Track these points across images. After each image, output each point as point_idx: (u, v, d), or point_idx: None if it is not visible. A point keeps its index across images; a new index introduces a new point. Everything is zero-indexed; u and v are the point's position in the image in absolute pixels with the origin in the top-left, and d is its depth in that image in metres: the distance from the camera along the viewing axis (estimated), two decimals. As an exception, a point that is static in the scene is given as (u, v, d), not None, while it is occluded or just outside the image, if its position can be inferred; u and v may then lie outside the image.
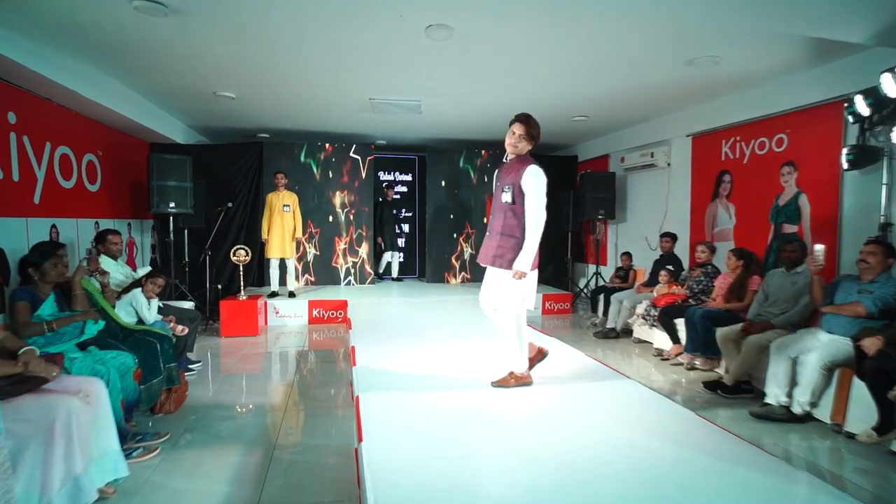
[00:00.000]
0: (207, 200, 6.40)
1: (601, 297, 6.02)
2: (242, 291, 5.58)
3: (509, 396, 2.90)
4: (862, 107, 3.50)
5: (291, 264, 6.29)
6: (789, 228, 4.49)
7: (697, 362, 4.10)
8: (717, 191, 5.36)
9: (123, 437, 2.37)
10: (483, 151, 7.91)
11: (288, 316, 6.00)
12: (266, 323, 5.92)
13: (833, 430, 3.03)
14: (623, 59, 4.08)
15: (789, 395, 3.18)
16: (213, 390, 3.71)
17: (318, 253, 7.36)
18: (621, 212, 7.17)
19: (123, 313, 3.18)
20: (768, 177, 4.69)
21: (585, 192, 6.90)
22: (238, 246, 5.48)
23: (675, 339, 4.41)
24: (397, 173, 8.55)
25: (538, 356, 3.07)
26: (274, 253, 6.09)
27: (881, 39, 2.91)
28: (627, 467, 2.07)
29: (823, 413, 3.10)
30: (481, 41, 3.75)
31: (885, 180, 3.41)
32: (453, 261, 7.86)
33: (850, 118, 3.70)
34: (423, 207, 8.08)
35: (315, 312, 6.06)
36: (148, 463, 2.52)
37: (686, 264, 5.44)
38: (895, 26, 2.74)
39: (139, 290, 3.42)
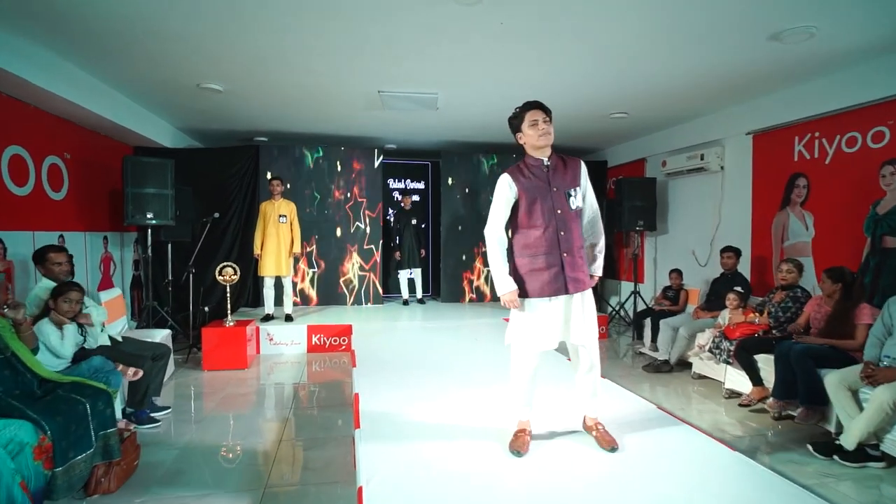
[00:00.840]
0: (196, 211, 5.66)
1: (647, 321, 5.17)
2: (230, 315, 4.80)
3: (541, 462, 2.10)
4: None
5: (289, 283, 5.51)
6: (893, 242, 3.65)
7: (796, 413, 3.23)
8: (788, 197, 4.53)
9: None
10: (507, 155, 7.14)
11: (284, 343, 5.21)
12: (258, 352, 5.13)
13: None
14: (688, 33, 3.30)
15: (950, 471, 2.33)
16: (174, 454, 2.85)
17: (320, 270, 6.58)
18: (662, 222, 6.34)
19: (50, 356, 2.39)
20: (862, 179, 3.86)
21: (622, 200, 6.09)
22: (225, 263, 4.71)
23: (757, 381, 3.55)
24: (408, 181, 7.78)
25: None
26: (268, 270, 5.32)
27: None
28: None
29: None
30: (514, 8, 2.98)
31: None
32: (471, 277, 7.05)
33: None
34: (438, 218, 7.30)
35: (315, 339, 5.26)
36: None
37: (749, 284, 4.59)
38: None
39: (45, 318, 2.63)
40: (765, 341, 3.55)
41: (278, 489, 2.45)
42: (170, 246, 5.48)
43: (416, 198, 7.77)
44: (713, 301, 4.53)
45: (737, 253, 4.57)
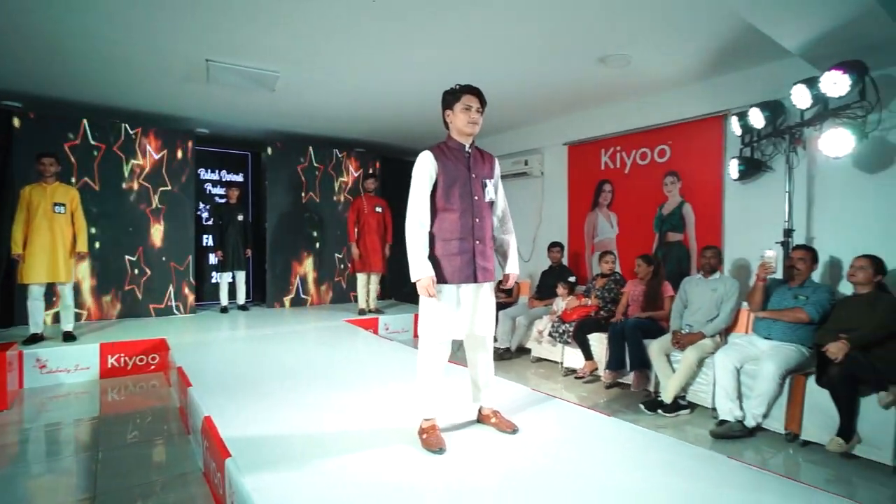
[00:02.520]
0: None
1: (486, 313, 5.47)
2: (-24, 339, 3.45)
3: (455, 456, 2.04)
4: (756, 119, 3.62)
5: (69, 291, 4.22)
6: (674, 237, 4.59)
7: (630, 378, 3.77)
8: (597, 200, 5.33)
9: None
10: (340, 151, 6.80)
11: (63, 370, 3.97)
12: (21, 385, 3.81)
13: (787, 439, 2.90)
14: (540, 47, 3.62)
15: (741, 408, 2.99)
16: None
17: (105, 275, 5.26)
18: (488, 223, 6.83)
19: None
20: (651, 186, 4.76)
21: (456, 200, 6.36)
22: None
23: (589, 356, 4.06)
24: (224, 172, 6.80)
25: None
26: (36, 276, 4.00)
27: (806, 48, 2.97)
28: None
29: (774, 423, 2.96)
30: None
31: (787, 188, 3.56)
32: (299, 280, 6.51)
33: (739, 130, 3.85)
34: (263, 215, 6.55)
35: (113, 360, 4.15)
36: None
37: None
38: (828, 37, 2.76)
39: None
40: (597, 322, 4.08)
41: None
42: None
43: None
44: (544, 291, 5.05)
45: (560, 247, 5.17)
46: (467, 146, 2.26)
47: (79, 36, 3.50)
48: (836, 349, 2.62)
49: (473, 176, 2.22)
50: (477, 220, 2.19)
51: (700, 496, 1.81)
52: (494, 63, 3.97)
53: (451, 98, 2.23)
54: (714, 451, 2.30)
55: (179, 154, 5.63)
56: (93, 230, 4.95)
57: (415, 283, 2.12)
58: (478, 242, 2.19)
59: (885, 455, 2.53)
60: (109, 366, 4.14)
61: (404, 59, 3.95)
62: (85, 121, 5.15)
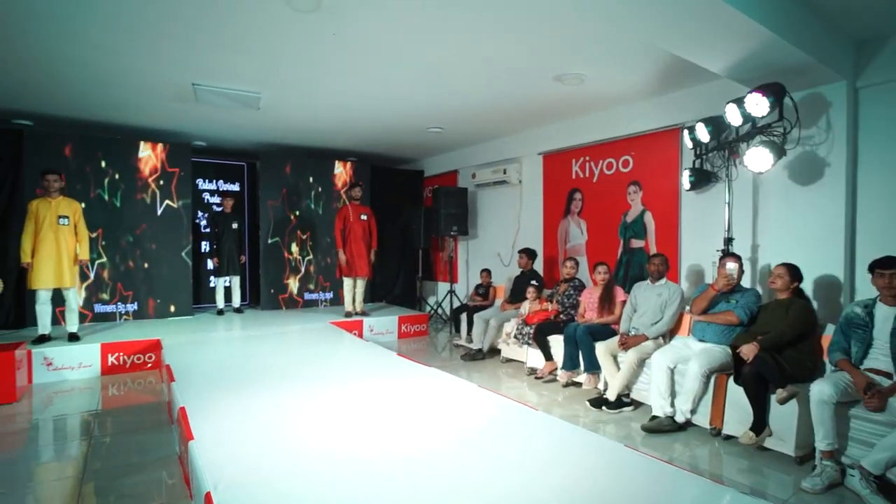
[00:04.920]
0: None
1: (463, 316, 5.78)
2: (-12, 339, 3.85)
3: (411, 446, 2.34)
4: (702, 133, 3.87)
5: (73, 296, 4.63)
6: (637, 243, 4.83)
7: (581, 379, 4.04)
8: (568, 207, 5.59)
9: None
10: (326, 161, 7.15)
11: (67, 367, 4.37)
12: (30, 381, 4.21)
13: (712, 433, 3.15)
14: (499, 65, 3.90)
15: (672, 405, 3.25)
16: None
17: (113, 279, 5.67)
18: (473, 228, 7.13)
19: None
20: (617, 195, 5.01)
21: (439, 207, 6.68)
22: (-20, 273, 3.78)
23: (548, 357, 4.33)
24: (221, 182, 7.20)
25: None
26: (43, 282, 4.41)
27: (733, 70, 3.21)
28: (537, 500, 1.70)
29: (702, 419, 3.22)
30: (352, 20, 3.14)
31: (726, 199, 3.80)
32: (290, 284, 6.87)
33: (690, 143, 4.09)
34: (256, 222, 6.93)
35: (112, 359, 4.54)
36: None
37: (542, 279, 5.53)
38: (750, 58, 3.01)
39: None
40: (556, 325, 4.35)
41: (104, 498, 2.16)
42: None
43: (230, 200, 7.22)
44: (515, 295, 5.32)
45: (529, 253, 5.43)
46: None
47: (75, 62, 3.84)
48: (747, 350, 2.87)
49: None
50: None
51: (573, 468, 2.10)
52: (459, 81, 4.25)
53: None
54: (611, 440, 2.58)
55: (178, 165, 6.02)
56: (94, 237, 5.35)
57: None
58: None
59: (789, 447, 2.78)
60: (110, 364, 4.54)
61: (374, 81, 4.27)
62: (86, 137, 5.56)
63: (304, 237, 6.93)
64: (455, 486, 2.00)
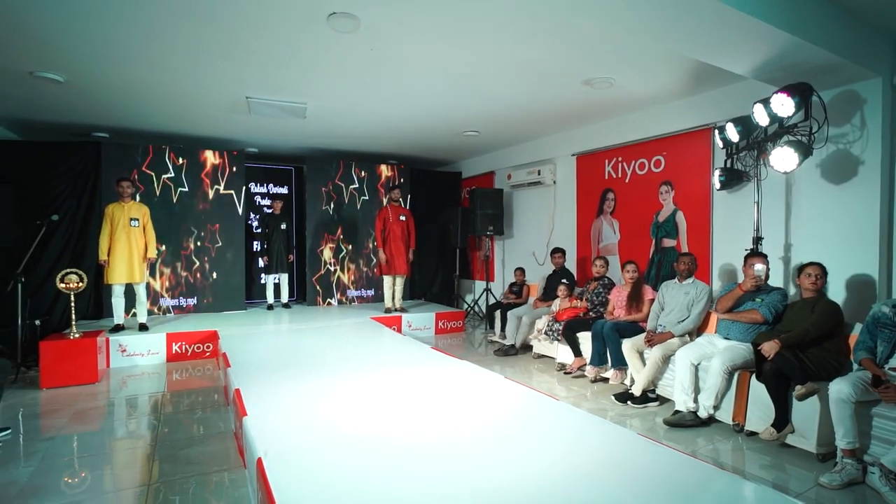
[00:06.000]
0: (15, 214, 4.99)
1: (497, 313, 5.96)
2: (74, 327, 4.37)
3: (439, 431, 2.56)
4: (732, 133, 3.89)
5: (142, 290, 5.16)
6: (668, 242, 4.86)
7: (608, 375, 4.15)
8: (601, 207, 5.66)
9: None
10: (370, 164, 7.50)
11: (139, 354, 4.88)
12: (108, 365, 4.74)
13: (735, 429, 3.20)
14: (529, 72, 4.05)
15: (695, 401, 3.32)
16: (29, 470, 2.66)
17: (177, 276, 6.22)
18: (508, 228, 7.29)
19: None
20: (649, 195, 5.05)
21: (475, 208, 6.87)
22: (68, 270, 4.30)
23: (577, 353, 4.45)
24: (271, 185, 7.69)
25: None
26: (118, 277, 4.94)
27: (759, 72, 3.24)
28: (557, 484, 1.87)
29: (725, 415, 3.27)
30: (387, 38, 3.41)
31: (755, 199, 3.81)
32: (335, 282, 7.26)
33: (721, 143, 4.11)
34: (302, 223, 7.37)
35: (176, 347, 5.02)
36: None
37: (576, 277, 5.63)
38: (773, 60, 3.04)
39: None
40: (584, 322, 4.46)
41: (163, 483, 2.50)
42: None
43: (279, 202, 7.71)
44: (548, 293, 5.45)
45: (563, 253, 5.55)
46: None
47: (144, 82, 4.31)
48: (768, 347, 2.91)
49: None
50: None
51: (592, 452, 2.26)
52: (492, 86, 4.43)
53: None
54: (631, 430, 2.70)
55: (233, 171, 6.52)
56: (160, 238, 5.91)
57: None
58: None
59: (811, 444, 2.81)
60: (174, 352, 5.02)
61: (411, 90, 4.52)
62: (154, 147, 6.12)
63: (347, 237, 7.30)
64: (478, 466, 2.20)
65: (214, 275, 6.41)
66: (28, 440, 3.11)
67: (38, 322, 4.70)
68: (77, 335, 4.29)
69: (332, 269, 7.22)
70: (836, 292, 3.55)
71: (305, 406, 2.92)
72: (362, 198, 7.41)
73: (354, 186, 7.35)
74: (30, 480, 2.55)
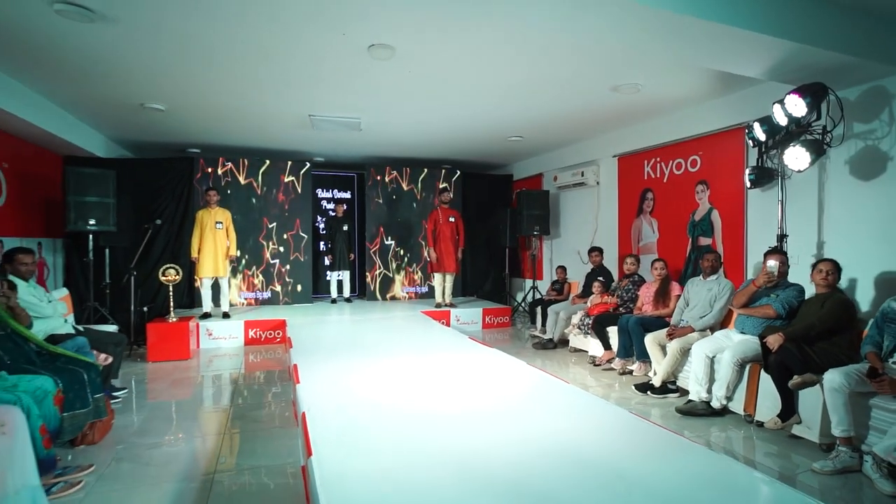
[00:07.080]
0: (130, 217, 6.02)
1: (538, 309, 6.25)
2: (172, 313, 5.26)
3: (455, 404, 2.97)
4: (759, 133, 3.96)
5: (225, 283, 6.03)
6: (704, 241, 4.93)
7: (633, 367, 4.36)
8: (641, 207, 5.79)
9: (48, 467, 2.17)
10: (424, 169, 8.04)
11: (222, 338, 5.73)
12: (198, 346, 5.62)
13: (746, 420, 3.34)
14: (554, 82, 4.35)
15: (709, 391, 3.48)
16: (141, 418, 3.46)
17: (253, 272, 7.10)
18: (555, 228, 7.52)
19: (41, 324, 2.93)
20: (685, 194, 5.14)
21: (522, 209, 7.19)
22: (168, 265, 5.19)
23: (607, 346, 4.67)
24: (336, 190, 8.46)
25: None
26: (206, 272, 5.82)
27: (772, 74, 3.34)
28: (574, 464, 2.19)
29: (737, 405, 3.40)
30: (422, 62, 3.87)
31: (779, 197, 3.86)
32: (391, 279, 7.86)
33: (751, 143, 4.17)
34: (363, 225, 8.05)
35: (252, 333, 5.83)
36: (71, 498, 2.32)
37: (615, 275, 5.79)
38: (782, 64, 3.15)
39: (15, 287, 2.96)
40: (614, 316, 4.68)
41: (235, 433, 3.14)
42: (107, 251, 5.80)
43: (343, 206, 8.45)
44: (586, 290, 5.67)
45: (600, 252, 5.74)
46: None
47: (227, 106, 5.12)
48: (772, 340, 3.04)
49: None
50: None
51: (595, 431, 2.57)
52: (525, 97, 4.77)
53: None
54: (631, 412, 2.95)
55: (302, 178, 7.31)
56: (239, 240, 6.80)
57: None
58: None
59: (814, 434, 2.91)
60: (250, 337, 5.82)
61: (452, 103, 4.96)
62: (234, 160, 7.04)
63: (402, 237, 7.89)
64: (487, 434, 2.57)
65: (285, 272, 7.23)
66: (139, 399, 3.92)
67: (145, 308, 5.67)
68: (174, 320, 5.17)
69: (389, 266, 7.83)
70: (865, 290, 3.54)
71: (348, 379, 3.45)
72: (417, 201, 7.97)
73: (409, 190, 7.92)
74: (141, 425, 3.30)
